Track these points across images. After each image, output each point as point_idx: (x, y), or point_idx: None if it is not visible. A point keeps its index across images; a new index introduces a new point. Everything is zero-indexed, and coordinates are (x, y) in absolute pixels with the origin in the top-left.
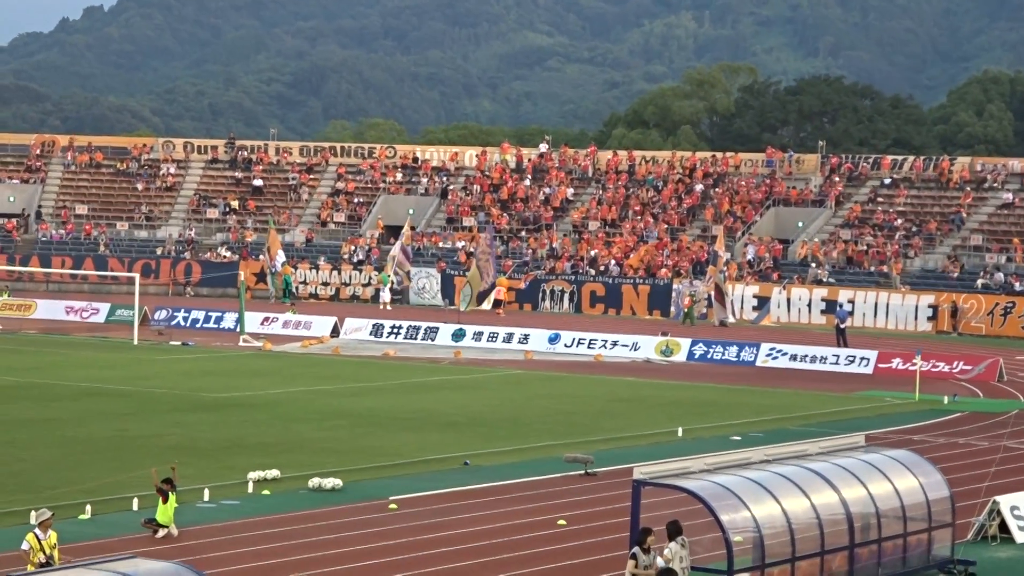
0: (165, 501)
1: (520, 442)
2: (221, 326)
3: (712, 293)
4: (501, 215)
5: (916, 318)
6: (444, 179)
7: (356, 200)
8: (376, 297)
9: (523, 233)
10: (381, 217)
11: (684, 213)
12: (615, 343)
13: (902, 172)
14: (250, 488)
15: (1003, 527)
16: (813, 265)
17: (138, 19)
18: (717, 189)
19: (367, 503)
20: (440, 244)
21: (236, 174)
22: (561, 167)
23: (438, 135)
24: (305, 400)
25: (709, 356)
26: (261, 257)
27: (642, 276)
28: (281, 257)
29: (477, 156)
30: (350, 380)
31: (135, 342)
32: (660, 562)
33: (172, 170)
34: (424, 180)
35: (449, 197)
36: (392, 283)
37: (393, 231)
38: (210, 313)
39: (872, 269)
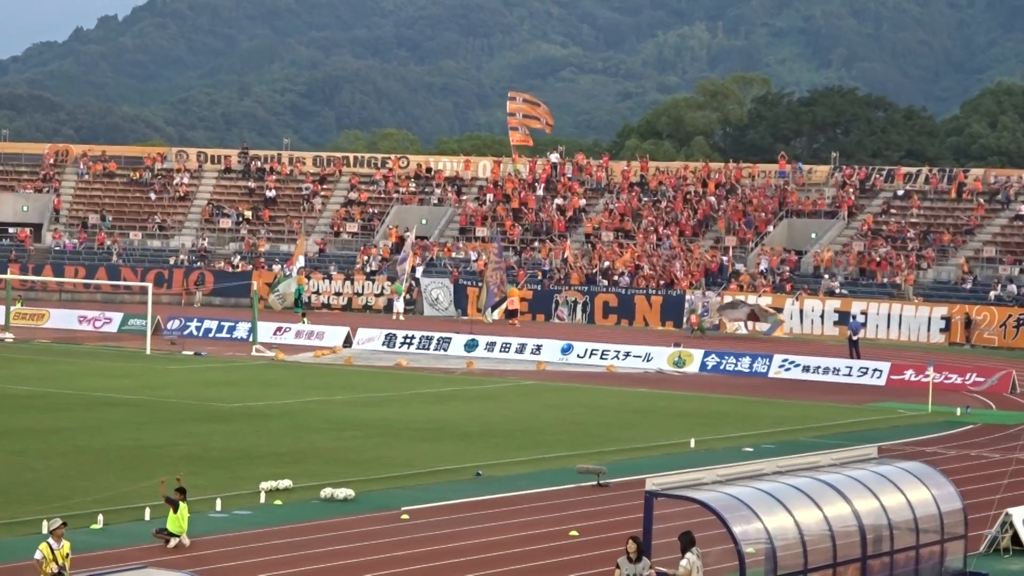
0: (176, 511)
1: (532, 453)
2: (234, 336)
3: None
4: (514, 225)
5: (929, 330)
6: (458, 187)
7: (369, 210)
8: (389, 307)
9: (536, 243)
10: (394, 227)
11: (696, 224)
12: (628, 354)
13: (916, 185)
14: (262, 498)
15: (1015, 539)
16: (827, 276)
17: (152, 29)
18: (730, 200)
19: (379, 513)
20: (453, 255)
21: (249, 184)
22: (574, 177)
23: (451, 145)
24: (317, 410)
25: (722, 367)
26: (276, 267)
27: (655, 287)
28: (300, 263)
29: (491, 166)
30: (362, 390)
31: (148, 351)
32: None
33: (185, 180)
34: (437, 190)
35: (462, 207)
36: (403, 288)
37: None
38: (223, 323)
39: (885, 280)
